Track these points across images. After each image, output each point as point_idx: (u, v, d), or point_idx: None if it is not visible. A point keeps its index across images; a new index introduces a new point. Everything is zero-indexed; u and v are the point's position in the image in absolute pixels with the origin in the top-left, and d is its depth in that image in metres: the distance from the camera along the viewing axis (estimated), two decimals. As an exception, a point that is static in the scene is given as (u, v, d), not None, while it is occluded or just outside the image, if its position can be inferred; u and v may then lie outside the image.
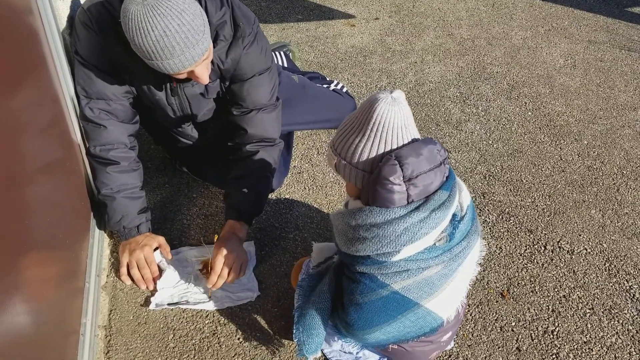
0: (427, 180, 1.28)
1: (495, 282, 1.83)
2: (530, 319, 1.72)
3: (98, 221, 1.93)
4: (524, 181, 2.23)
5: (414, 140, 1.32)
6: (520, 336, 1.68)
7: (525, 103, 2.67)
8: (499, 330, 1.69)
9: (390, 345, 1.52)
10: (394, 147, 1.30)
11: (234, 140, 1.93)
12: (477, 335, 1.68)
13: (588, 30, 3.27)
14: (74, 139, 1.80)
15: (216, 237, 1.76)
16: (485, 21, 3.37)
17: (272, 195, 2.13)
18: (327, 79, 2.60)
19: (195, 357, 1.60)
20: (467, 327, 1.70)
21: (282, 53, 2.71)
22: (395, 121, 1.28)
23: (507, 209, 2.10)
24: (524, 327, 1.70)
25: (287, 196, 2.14)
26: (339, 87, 2.51)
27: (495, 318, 1.73)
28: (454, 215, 1.36)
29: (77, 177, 1.82)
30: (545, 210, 2.10)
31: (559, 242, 1.98)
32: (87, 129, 1.79)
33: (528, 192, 2.18)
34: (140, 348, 1.62)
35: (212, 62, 1.72)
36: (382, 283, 1.35)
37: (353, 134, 1.31)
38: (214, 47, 1.71)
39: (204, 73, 1.62)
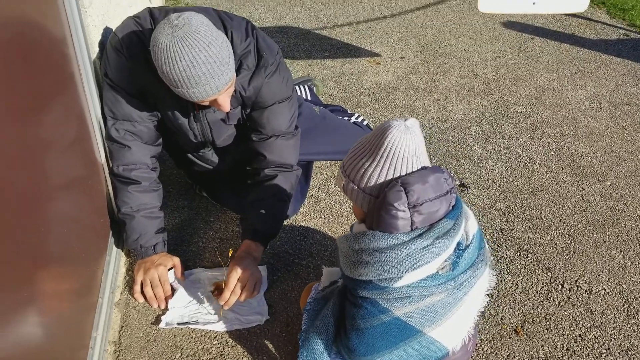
0: (432, 208, 1.29)
1: (509, 318, 1.80)
2: (543, 356, 1.68)
3: (116, 240, 1.97)
4: (544, 219, 2.20)
5: (422, 168, 1.33)
6: (532, 374, 1.64)
7: (549, 143, 2.66)
8: (510, 367, 1.65)
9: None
10: (402, 174, 1.31)
11: (252, 165, 1.97)
12: (488, 371, 1.64)
13: (615, 75, 3.26)
14: (98, 158, 1.87)
15: (231, 251, 1.78)
16: (511, 63, 3.39)
17: (287, 222, 2.15)
18: (349, 111, 2.64)
19: (201, 377, 1.60)
20: (478, 362, 1.67)
21: (306, 87, 2.77)
22: (406, 149, 1.30)
23: (525, 246, 2.07)
24: (537, 365, 1.66)
25: (302, 224, 2.15)
26: (359, 119, 2.55)
27: (507, 354, 1.69)
28: (459, 243, 1.35)
29: (98, 196, 1.87)
30: (564, 249, 2.06)
31: (577, 281, 1.93)
32: (112, 149, 1.85)
33: (547, 230, 2.15)
34: (147, 365, 1.63)
35: (234, 89, 1.78)
36: (383, 308, 1.34)
37: (363, 158, 1.33)
38: (237, 75, 1.77)
39: (226, 101, 1.67)
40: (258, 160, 1.94)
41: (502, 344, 1.72)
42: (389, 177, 1.31)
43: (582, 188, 2.37)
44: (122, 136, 1.83)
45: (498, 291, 1.88)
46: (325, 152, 2.36)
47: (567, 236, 2.12)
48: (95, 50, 1.87)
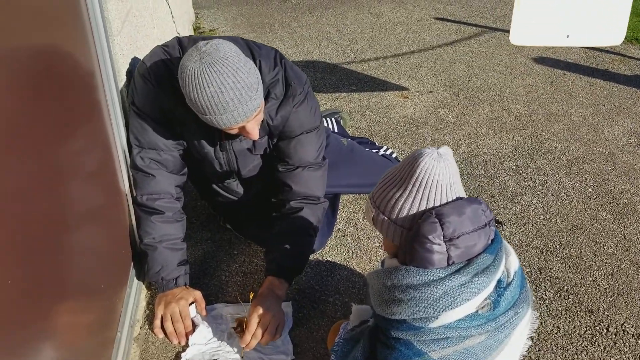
0: (470, 241, 1.20)
1: (551, 364, 1.68)
2: (590, 407, 1.55)
3: (137, 272, 1.91)
4: (584, 258, 2.09)
5: (458, 199, 1.25)
6: None
7: (586, 179, 2.55)
8: (554, 418, 1.53)
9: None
10: (436, 204, 1.23)
11: (278, 196, 1.90)
12: (530, 421, 1.52)
13: (653, 110, 3.15)
14: (122, 188, 1.82)
15: (252, 294, 1.70)
16: (543, 98, 3.31)
17: (313, 257, 2.06)
18: (377, 144, 2.58)
19: (221, 420, 1.51)
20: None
21: (333, 119, 2.72)
22: (440, 177, 1.22)
23: (565, 287, 1.95)
24: (584, 417, 1.53)
25: (329, 259, 2.07)
26: (388, 152, 2.48)
27: (550, 403, 1.56)
28: (500, 281, 1.25)
29: (121, 226, 1.82)
30: (607, 290, 1.94)
31: (622, 324, 1.80)
32: (137, 178, 1.80)
33: (589, 270, 2.03)
34: (165, 405, 1.54)
35: (262, 119, 1.73)
36: (418, 351, 1.24)
37: (394, 188, 1.26)
38: (265, 104, 1.72)
39: (254, 129, 1.62)
40: (284, 192, 1.88)
41: (544, 392, 1.59)
42: (422, 207, 1.23)
43: (624, 226, 2.25)
44: (147, 164, 1.79)
45: (538, 334, 1.76)
46: (353, 185, 2.29)
47: (610, 277, 2.00)
48: (122, 79, 1.85)
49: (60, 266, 1.28)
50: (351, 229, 2.23)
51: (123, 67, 1.84)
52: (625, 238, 2.19)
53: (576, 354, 1.71)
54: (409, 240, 1.23)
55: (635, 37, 4.11)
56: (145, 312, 1.84)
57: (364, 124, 3.01)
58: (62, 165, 1.34)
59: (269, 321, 1.63)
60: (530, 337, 1.36)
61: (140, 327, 1.78)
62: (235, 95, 1.50)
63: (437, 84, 3.49)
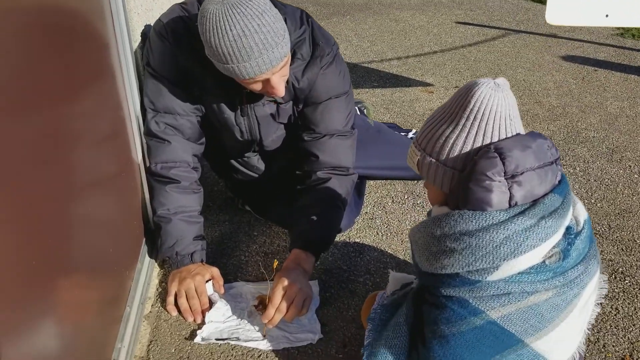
0: (535, 180, 1.03)
1: (613, 346, 1.48)
2: (663, 392, 1.36)
3: (150, 249, 1.76)
4: (638, 241, 1.90)
5: (518, 135, 1.09)
6: (652, 412, 1.31)
7: (630, 166, 2.37)
8: (623, 403, 1.33)
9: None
10: (494, 140, 1.06)
11: (303, 168, 1.75)
12: (595, 407, 1.32)
13: (694, 103, 2.98)
14: (134, 157, 1.68)
15: (276, 262, 1.54)
16: (575, 92, 3.15)
17: (339, 238, 1.90)
18: (404, 128, 2.43)
19: (241, 401, 1.33)
20: (581, 396, 1.35)
21: (356, 108, 2.58)
22: (499, 108, 1.06)
23: (620, 269, 1.77)
24: (657, 402, 1.33)
25: (357, 240, 1.90)
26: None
27: (617, 388, 1.37)
28: (569, 228, 1.08)
29: (132, 198, 1.67)
30: (667, 272, 1.75)
31: (690, 307, 1.61)
32: (150, 145, 1.66)
33: (644, 253, 1.84)
34: (178, 384, 1.37)
35: (287, 80, 1.59)
36: (475, 309, 1.06)
37: (443, 124, 1.09)
38: (290, 65, 1.58)
39: (280, 84, 1.48)
40: (309, 162, 1.72)
41: (608, 375, 1.40)
42: (477, 144, 1.06)
43: (678, 211, 2.07)
44: (162, 130, 1.65)
45: (596, 317, 1.57)
46: (381, 167, 2.14)
47: (668, 259, 1.81)
48: (137, 39, 1.72)
49: (66, 239, 1.13)
50: (380, 212, 2.06)
51: (138, 26, 1.72)
52: (680, 222, 2.00)
53: (640, 336, 1.51)
54: (462, 181, 1.06)
55: (666, 38, 3.96)
56: (157, 290, 1.67)
57: (388, 117, 2.86)
58: (70, 132, 1.19)
59: (295, 294, 1.46)
60: (600, 303, 1.18)
61: (152, 305, 1.61)
62: (260, 40, 1.36)
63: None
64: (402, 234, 1.94)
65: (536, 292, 1.05)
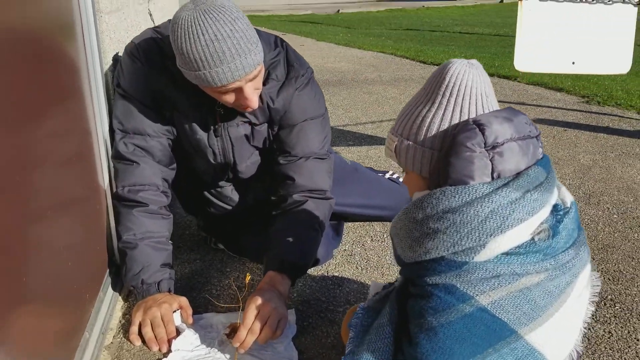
0: (516, 151, 0.99)
1: (610, 367, 1.39)
2: (669, 410, 1.25)
3: (114, 281, 1.64)
4: (624, 272, 1.84)
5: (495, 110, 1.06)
6: None
7: (608, 208, 2.36)
8: (628, 421, 1.22)
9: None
10: (471, 117, 1.04)
11: (278, 192, 1.69)
12: None
13: (663, 155, 3.04)
14: (100, 182, 1.61)
15: (248, 276, 1.44)
16: (547, 148, 3.19)
17: (317, 271, 1.80)
18: (380, 170, 2.40)
19: None
20: (582, 415, 1.24)
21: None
22: (474, 84, 1.04)
23: (609, 297, 1.70)
24: (664, 419, 1.22)
25: (335, 274, 1.81)
26: (394, 176, 2.29)
27: (619, 406, 1.26)
28: (556, 206, 1.03)
29: (95, 224, 1.58)
30: (658, 299, 1.68)
31: (685, 330, 1.54)
32: (118, 168, 1.60)
33: (632, 282, 1.78)
34: (139, 413, 1.22)
35: (261, 100, 1.57)
36: (463, 294, 0.98)
37: (419, 106, 1.07)
38: (265, 85, 1.57)
39: (253, 95, 1.45)
40: (285, 186, 1.66)
41: (609, 395, 1.29)
42: (455, 121, 1.03)
43: (661, 245, 2.03)
44: (131, 151, 1.59)
45: (589, 339, 1.49)
46: (358, 205, 2.08)
47: (657, 287, 1.75)
48: (108, 62, 1.70)
49: (25, 262, 1.04)
50: (359, 249, 1.99)
51: (109, 49, 1.70)
52: (664, 254, 1.96)
53: (637, 356, 1.42)
54: (442, 158, 1.02)
55: (631, 105, 4.11)
56: (120, 322, 1.54)
57: (365, 169, 2.84)
58: (35, 153, 1.13)
59: (269, 313, 1.35)
60: (594, 301, 1.11)
61: (114, 337, 1.48)
62: (233, 45, 1.35)
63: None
64: (382, 267, 1.85)
65: (527, 274, 0.98)
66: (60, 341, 1.24)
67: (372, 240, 2.05)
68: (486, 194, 0.96)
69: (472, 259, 0.97)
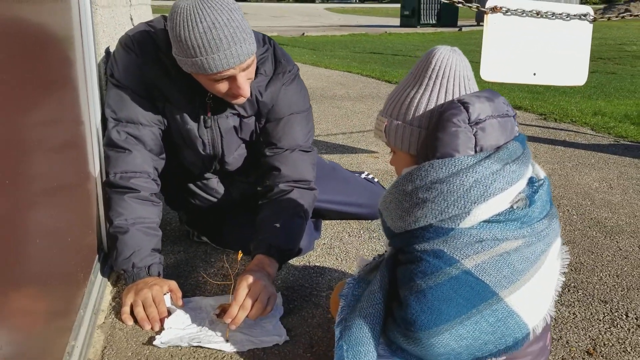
0: (497, 127, 1.11)
1: (576, 342, 1.50)
2: (630, 376, 1.36)
3: (102, 266, 1.67)
4: (585, 264, 1.97)
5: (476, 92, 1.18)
6: (623, 392, 1.31)
7: (568, 210, 2.51)
8: (594, 386, 1.33)
9: (462, 372, 1.17)
10: (456, 97, 1.15)
11: (264, 183, 1.76)
12: (568, 389, 1.31)
13: (617, 166, 3.23)
14: (91, 169, 1.65)
15: (240, 254, 1.50)
16: (510, 158, 3.36)
17: (299, 262, 1.88)
18: (356, 171, 2.50)
19: (206, 394, 1.23)
20: (553, 381, 1.34)
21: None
22: (457, 68, 1.16)
23: (572, 284, 1.82)
24: (626, 384, 1.34)
25: (317, 264, 1.88)
26: (369, 177, 2.39)
27: (585, 373, 1.37)
28: (531, 179, 1.15)
29: (86, 210, 1.61)
30: (616, 286, 1.81)
31: (641, 311, 1.67)
32: (110, 155, 1.64)
33: (592, 272, 1.91)
34: (137, 382, 1.26)
35: (250, 93, 1.66)
36: (450, 258, 1.08)
37: (407, 88, 1.18)
38: (254, 79, 1.66)
39: (246, 84, 1.54)
40: (271, 176, 1.74)
41: (576, 364, 1.40)
42: (440, 101, 1.14)
43: (617, 241, 2.18)
44: (123, 139, 1.64)
45: (556, 320, 1.60)
46: (336, 202, 2.16)
47: (615, 276, 1.88)
48: (101, 53, 1.75)
49: (15, 247, 1.04)
50: (337, 243, 2.07)
51: (103, 41, 1.76)
52: (620, 249, 2.11)
53: (600, 334, 1.54)
54: (430, 134, 1.13)
55: (585, 122, 4.34)
56: (110, 304, 1.58)
57: (338, 175, 2.93)
58: (29, 140, 1.14)
59: (259, 290, 1.42)
60: (563, 272, 1.22)
61: (105, 317, 1.51)
62: (229, 33, 1.43)
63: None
64: (356, 266, 1.93)
65: (506, 239, 1.08)
66: (56, 320, 1.27)
67: (349, 235, 2.14)
68: (470, 165, 1.07)
69: (458, 225, 1.07)
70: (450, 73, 1.14)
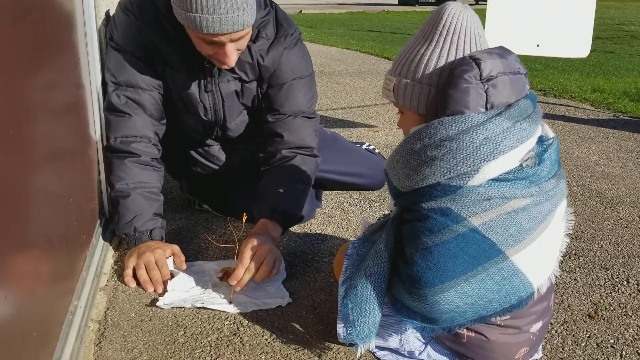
0: (508, 84, 1.09)
1: (578, 306, 1.50)
2: (631, 338, 1.37)
3: (103, 230, 1.67)
4: (586, 233, 1.98)
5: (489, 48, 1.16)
6: (624, 352, 1.31)
7: (569, 182, 2.51)
8: (595, 346, 1.33)
9: (465, 332, 1.17)
10: (467, 54, 1.13)
11: (267, 149, 1.75)
12: (570, 350, 1.32)
13: (616, 140, 3.23)
14: (92, 132, 1.63)
15: (245, 216, 1.49)
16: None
17: (301, 229, 1.87)
18: (357, 142, 2.49)
19: (211, 353, 1.23)
20: (555, 342, 1.35)
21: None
22: (469, 24, 1.13)
23: (573, 251, 1.83)
24: (627, 345, 1.34)
25: (318, 232, 1.88)
26: (370, 147, 2.38)
27: (588, 335, 1.37)
28: (541, 138, 1.14)
29: (87, 174, 1.60)
30: (617, 254, 1.82)
31: (642, 278, 1.67)
32: (110, 120, 1.63)
33: (593, 240, 1.92)
34: (141, 341, 1.26)
35: (251, 57, 1.64)
36: (457, 216, 1.07)
37: (417, 46, 1.16)
38: (255, 42, 1.63)
39: (232, 54, 1.51)
40: (274, 143, 1.73)
41: (577, 327, 1.41)
42: (451, 58, 1.12)
43: (617, 211, 2.18)
44: (123, 103, 1.62)
45: (558, 285, 1.60)
46: (338, 172, 2.15)
47: (616, 244, 1.89)
48: (101, 15, 1.73)
49: (16, 210, 1.03)
50: (338, 212, 2.07)
51: (102, 4, 1.73)
52: (620, 219, 2.11)
53: (602, 298, 1.55)
54: (440, 90, 1.11)
55: (585, 98, 4.33)
56: (112, 268, 1.58)
57: (338, 147, 2.92)
58: (28, 103, 1.12)
59: (265, 253, 1.42)
60: (568, 234, 1.22)
61: (108, 280, 1.51)
62: None
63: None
64: (360, 228, 1.93)
65: (514, 197, 1.07)
66: (59, 281, 1.26)
67: (350, 205, 2.14)
68: (481, 122, 1.05)
69: (466, 183, 1.06)
70: (462, 29, 1.12)
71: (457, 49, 1.12)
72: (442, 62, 1.12)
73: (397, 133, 3.25)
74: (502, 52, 1.12)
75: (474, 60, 1.08)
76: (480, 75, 1.07)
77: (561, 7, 2.55)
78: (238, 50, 1.53)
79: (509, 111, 1.07)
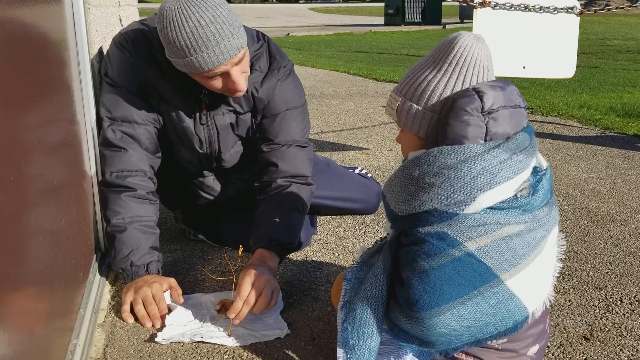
0: (508, 118, 1.12)
1: (574, 327, 1.52)
2: (627, 359, 1.39)
3: (100, 265, 1.67)
4: (578, 252, 2.00)
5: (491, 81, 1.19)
6: (621, 374, 1.33)
7: (559, 200, 2.54)
8: (592, 369, 1.35)
9: (463, 356, 1.19)
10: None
11: (262, 179, 1.76)
12: (568, 373, 1.33)
13: (604, 157, 3.27)
14: (87, 168, 1.65)
15: (241, 248, 1.50)
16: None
17: (297, 257, 1.88)
18: (349, 166, 2.51)
19: (211, 388, 1.24)
20: (553, 365, 1.36)
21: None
22: (479, 58, 1.15)
23: (566, 272, 1.85)
24: (623, 367, 1.36)
25: (314, 259, 1.89)
26: (363, 172, 2.40)
27: (584, 358, 1.39)
28: (535, 168, 1.17)
29: (83, 211, 1.60)
30: (610, 273, 1.84)
31: (635, 297, 1.69)
32: (106, 155, 1.64)
33: (586, 260, 1.94)
34: (141, 378, 1.26)
35: (247, 90, 1.66)
36: (453, 241, 1.09)
37: (426, 71, 1.17)
38: (249, 75, 1.66)
39: (240, 78, 1.54)
40: (269, 172, 1.75)
41: (573, 349, 1.42)
42: (457, 89, 1.14)
43: (608, 230, 2.21)
44: (119, 138, 1.64)
45: (552, 307, 1.62)
46: (331, 197, 2.16)
47: (608, 264, 1.91)
48: (94, 52, 1.75)
49: (14, 248, 1.03)
50: (333, 238, 2.08)
51: (96, 40, 1.75)
52: (612, 237, 2.14)
53: (596, 319, 1.56)
54: (441, 119, 1.13)
55: (572, 115, 4.39)
56: (110, 303, 1.58)
57: (330, 171, 2.94)
58: (24, 138, 1.13)
59: (263, 285, 1.42)
60: (560, 259, 1.24)
61: (105, 316, 1.51)
62: (215, 29, 1.43)
63: (396, 146, 3.53)
64: (357, 253, 1.95)
65: (508, 224, 1.10)
66: (57, 319, 1.26)
67: (345, 230, 2.15)
68: (479, 153, 1.08)
69: (462, 210, 1.08)
70: (471, 62, 1.14)
71: (464, 81, 1.14)
72: (447, 92, 1.14)
73: (389, 155, 3.28)
74: (503, 84, 1.15)
75: (477, 92, 1.10)
76: (482, 108, 1.09)
77: (545, 29, 2.60)
78: (244, 73, 1.56)
79: (507, 144, 1.10)
